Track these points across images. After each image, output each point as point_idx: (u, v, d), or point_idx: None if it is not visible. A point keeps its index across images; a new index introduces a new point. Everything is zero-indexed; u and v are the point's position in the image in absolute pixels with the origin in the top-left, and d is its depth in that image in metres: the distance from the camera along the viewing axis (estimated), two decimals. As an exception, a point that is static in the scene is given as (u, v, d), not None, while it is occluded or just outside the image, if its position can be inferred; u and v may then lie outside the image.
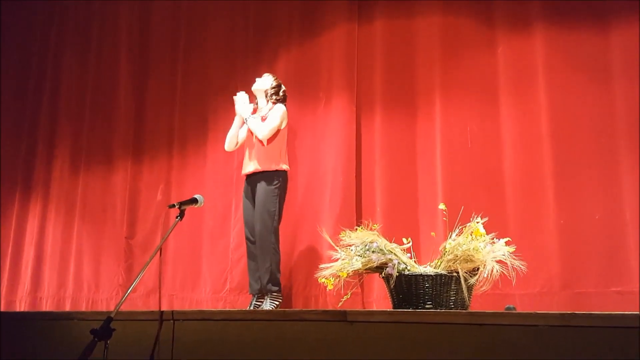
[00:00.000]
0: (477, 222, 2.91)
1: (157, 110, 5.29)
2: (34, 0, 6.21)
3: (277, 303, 3.71)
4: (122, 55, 5.57)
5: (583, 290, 3.42)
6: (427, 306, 2.82)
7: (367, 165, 4.22)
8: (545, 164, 3.64)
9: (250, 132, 3.91)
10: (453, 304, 2.84)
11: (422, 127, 4.09)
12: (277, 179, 3.78)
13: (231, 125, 4.10)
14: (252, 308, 3.75)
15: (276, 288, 3.70)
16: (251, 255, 3.84)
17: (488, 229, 2.91)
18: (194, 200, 3.13)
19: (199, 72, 5.12)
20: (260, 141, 3.82)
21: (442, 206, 3.14)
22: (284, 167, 3.85)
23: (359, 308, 3.79)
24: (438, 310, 2.75)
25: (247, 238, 3.88)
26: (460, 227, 2.94)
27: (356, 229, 3.09)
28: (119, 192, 5.28)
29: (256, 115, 3.90)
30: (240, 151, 4.23)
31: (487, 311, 2.55)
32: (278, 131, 3.86)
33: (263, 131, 3.80)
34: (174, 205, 3.09)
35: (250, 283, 3.85)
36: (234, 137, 4.06)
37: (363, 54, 4.38)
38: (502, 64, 3.90)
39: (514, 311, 2.87)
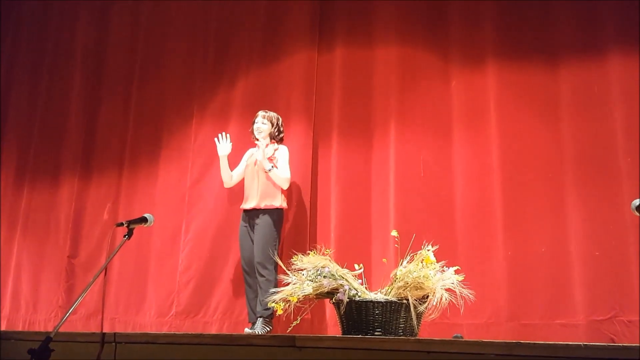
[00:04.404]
0: (428, 250, 2.94)
1: (109, 128, 5.18)
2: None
3: (268, 329, 3.71)
4: (76, 71, 5.46)
5: (529, 322, 3.47)
6: (376, 333, 2.81)
7: (322, 190, 4.23)
8: (494, 195, 3.73)
9: (256, 171, 3.96)
10: (402, 331, 2.84)
11: (377, 155, 4.14)
12: (277, 215, 3.88)
13: (220, 164, 4.08)
14: None
15: (270, 313, 3.68)
16: (248, 285, 3.90)
17: (438, 257, 2.95)
18: (144, 219, 3.06)
19: (155, 93, 5.04)
20: (269, 178, 3.88)
21: (394, 233, 3.17)
22: (284, 205, 3.94)
23: (308, 333, 3.74)
24: (387, 337, 2.74)
25: (244, 270, 3.92)
26: (411, 255, 2.96)
27: (309, 254, 3.07)
28: (63, 209, 5.12)
29: (271, 164, 3.91)
30: (193, 171, 4.17)
31: (435, 338, 2.55)
32: None
33: (285, 182, 3.92)
34: (122, 224, 3.01)
35: (249, 312, 3.90)
36: (230, 176, 4.10)
37: (322, 81, 4.41)
38: (456, 97, 4.00)
39: (461, 339, 2.89)
